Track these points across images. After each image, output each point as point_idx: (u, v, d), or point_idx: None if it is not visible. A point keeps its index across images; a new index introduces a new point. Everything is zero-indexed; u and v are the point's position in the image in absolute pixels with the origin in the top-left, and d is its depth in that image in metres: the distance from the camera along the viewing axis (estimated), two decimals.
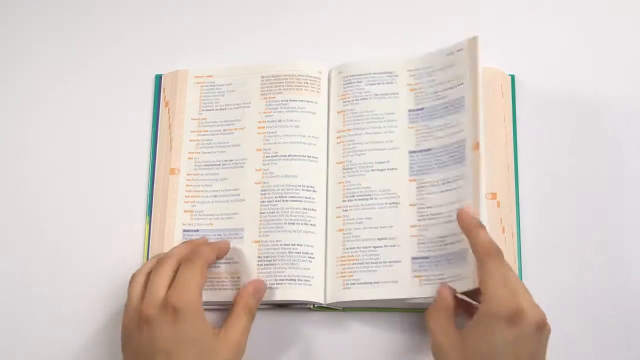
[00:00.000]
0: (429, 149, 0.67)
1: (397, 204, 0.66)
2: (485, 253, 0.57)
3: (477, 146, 0.63)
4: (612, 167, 0.69)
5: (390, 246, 0.65)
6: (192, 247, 0.64)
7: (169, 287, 0.60)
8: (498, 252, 0.57)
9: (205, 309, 0.63)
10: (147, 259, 0.68)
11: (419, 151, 0.67)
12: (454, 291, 0.61)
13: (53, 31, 0.77)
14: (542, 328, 0.56)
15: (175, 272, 0.61)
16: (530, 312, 0.55)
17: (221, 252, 0.65)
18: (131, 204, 0.70)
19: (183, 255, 0.62)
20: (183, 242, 0.65)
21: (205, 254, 0.62)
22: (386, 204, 0.66)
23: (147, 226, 0.69)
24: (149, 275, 0.61)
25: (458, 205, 0.63)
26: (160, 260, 0.62)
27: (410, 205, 0.66)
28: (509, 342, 0.54)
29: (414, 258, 0.64)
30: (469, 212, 0.61)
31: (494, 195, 0.66)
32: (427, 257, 0.64)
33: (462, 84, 0.67)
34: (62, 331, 0.68)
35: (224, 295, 0.66)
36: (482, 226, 0.59)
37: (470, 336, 0.56)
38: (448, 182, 0.65)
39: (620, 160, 0.69)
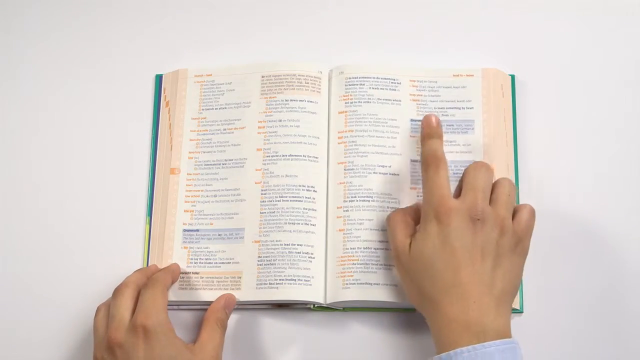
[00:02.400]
0: None
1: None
2: (424, 164, 0.62)
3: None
4: (613, 167, 0.69)
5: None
6: (147, 273, 0.65)
7: (133, 311, 0.60)
8: (436, 163, 0.61)
9: (204, 309, 0.64)
10: (148, 259, 0.68)
11: (420, 161, 0.67)
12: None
13: (53, 32, 0.76)
14: (477, 219, 0.58)
15: (135, 298, 0.61)
16: (457, 207, 0.58)
17: (174, 275, 0.66)
18: (131, 203, 0.70)
19: (140, 282, 0.63)
20: (136, 271, 0.65)
21: (163, 278, 0.63)
22: (387, 207, 0.66)
23: (148, 226, 0.69)
24: None
25: None
26: (118, 289, 0.62)
27: None
28: (442, 236, 0.58)
29: None
30: (432, 121, 0.64)
31: None
32: None
33: (472, 108, 0.69)
34: (62, 331, 0.68)
35: None
36: (434, 136, 0.63)
37: (415, 239, 0.60)
38: None
39: (621, 160, 0.69)
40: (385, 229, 0.65)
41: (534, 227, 0.60)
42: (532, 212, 0.60)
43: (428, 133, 0.63)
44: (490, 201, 0.59)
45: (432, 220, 0.59)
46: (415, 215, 0.63)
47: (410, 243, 0.60)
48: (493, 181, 0.61)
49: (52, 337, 0.68)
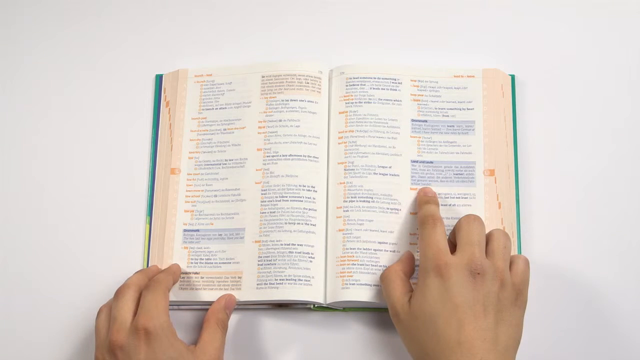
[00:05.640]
0: (430, 162, 0.68)
1: (398, 210, 0.66)
2: (421, 223, 0.62)
3: (492, 172, 0.67)
4: (613, 166, 0.69)
5: (391, 251, 0.65)
6: (149, 274, 0.65)
7: (135, 313, 0.60)
8: (434, 221, 0.61)
9: (205, 309, 0.65)
10: (148, 259, 0.68)
11: (420, 162, 0.68)
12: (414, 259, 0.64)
13: (53, 32, 0.76)
14: (477, 273, 0.57)
15: (137, 300, 0.61)
16: (456, 261, 0.58)
17: (175, 276, 0.66)
18: (132, 203, 0.70)
19: (141, 283, 0.63)
20: (137, 272, 0.65)
21: (164, 279, 0.63)
22: (387, 209, 0.66)
23: (148, 226, 0.70)
24: None
25: None
26: (119, 290, 0.62)
27: (410, 213, 0.67)
28: (442, 291, 0.57)
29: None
30: (429, 190, 0.65)
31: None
32: None
33: (473, 109, 0.69)
34: (62, 330, 0.68)
35: None
36: (431, 202, 0.64)
37: (414, 296, 0.59)
38: (452, 197, 0.67)
39: (621, 159, 0.69)
40: (386, 230, 0.65)
41: (529, 277, 0.60)
42: (527, 263, 0.60)
43: (426, 200, 0.64)
44: (487, 254, 0.59)
45: (431, 275, 0.58)
46: (408, 268, 0.62)
47: (410, 299, 0.59)
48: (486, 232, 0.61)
49: (52, 337, 0.68)
